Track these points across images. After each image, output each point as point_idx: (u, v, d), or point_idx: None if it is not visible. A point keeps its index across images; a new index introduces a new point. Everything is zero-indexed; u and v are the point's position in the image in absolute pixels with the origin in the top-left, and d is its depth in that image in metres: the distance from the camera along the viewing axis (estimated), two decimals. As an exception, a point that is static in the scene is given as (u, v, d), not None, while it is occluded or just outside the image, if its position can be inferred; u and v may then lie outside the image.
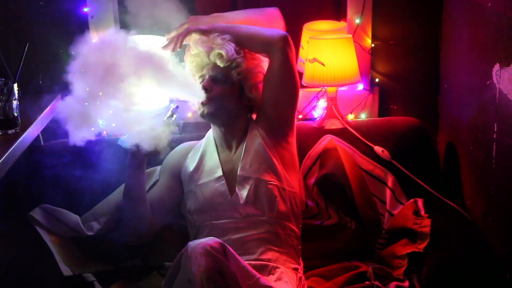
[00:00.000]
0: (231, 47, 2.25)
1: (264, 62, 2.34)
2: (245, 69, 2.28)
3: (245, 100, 2.32)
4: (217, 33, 2.28)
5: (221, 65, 2.27)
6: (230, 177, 2.28)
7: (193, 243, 1.89)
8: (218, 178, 2.28)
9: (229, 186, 2.26)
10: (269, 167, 2.26)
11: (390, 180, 2.49)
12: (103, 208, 2.42)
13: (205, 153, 2.36)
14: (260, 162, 2.26)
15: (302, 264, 2.28)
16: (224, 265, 1.86)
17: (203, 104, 2.28)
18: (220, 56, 2.26)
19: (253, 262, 2.12)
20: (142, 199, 2.30)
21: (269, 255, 2.17)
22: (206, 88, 2.27)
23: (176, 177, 2.39)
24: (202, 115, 2.29)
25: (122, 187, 2.41)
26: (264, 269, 2.13)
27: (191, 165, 2.36)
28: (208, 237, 1.94)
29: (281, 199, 2.23)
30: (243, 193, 2.23)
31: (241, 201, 2.22)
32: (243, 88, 2.30)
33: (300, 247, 2.29)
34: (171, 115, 2.29)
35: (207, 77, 2.29)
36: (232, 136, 2.33)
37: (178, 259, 1.93)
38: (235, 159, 2.31)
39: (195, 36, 2.31)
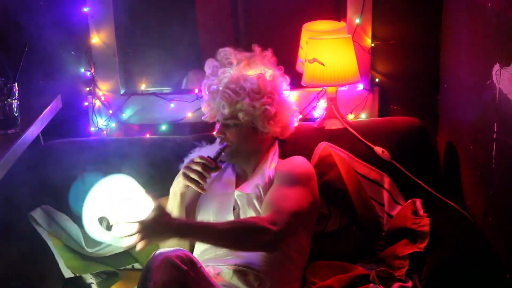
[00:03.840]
0: (230, 92, 2.28)
1: (273, 92, 2.34)
2: (250, 109, 2.29)
3: (261, 134, 2.34)
4: (223, 82, 2.32)
5: (225, 112, 2.30)
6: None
7: (157, 253, 1.86)
8: (229, 193, 2.29)
9: (236, 202, 2.28)
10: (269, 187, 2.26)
11: (386, 182, 2.49)
12: None
13: (224, 170, 2.39)
14: (262, 183, 2.26)
15: None
16: (188, 277, 1.84)
17: (223, 149, 2.30)
18: (223, 106, 2.30)
19: (243, 269, 2.11)
20: None
21: (260, 263, 2.13)
22: (220, 136, 2.32)
23: (197, 194, 2.38)
24: (226, 159, 2.36)
25: None
26: (255, 278, 2.10)
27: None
28: (175, 248, 1.92)
29: None
30: (243, 207, 2.24)
31: (240, 216, 2.23)
32: (256, 125, 2.32)
33: (297, 275, 2.23)
34: (219, 154, 2.26)
35: (220, 124, 2.34)
36: (247, 161, 2.36)
37: (145, 267, 1.89)
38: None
39: (204, 82, 2.40)
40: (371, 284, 2.12)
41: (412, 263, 2.16)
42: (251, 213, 2.22)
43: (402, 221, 2.32)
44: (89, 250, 2.34)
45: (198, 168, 2.17)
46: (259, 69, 2.37)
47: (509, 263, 2.09)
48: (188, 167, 2.19)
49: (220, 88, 2.32)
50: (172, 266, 1.83)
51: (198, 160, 2.19)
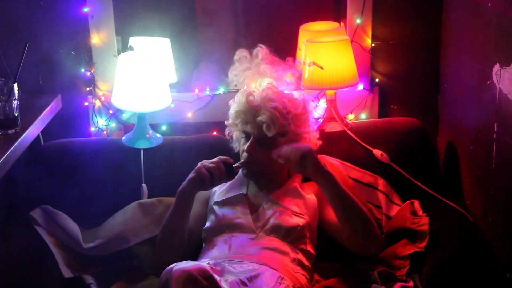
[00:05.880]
0: (279, 116, 2.23)
1: (311, 125, 2.36)
2: (291, 134, 2.29)
3: None
4: (267, 97, 2.26)
5: (269, 135, 2.25)
6: (252, 200, 2.30)
7: (175, 267, 1.82)
8: (240, 195, 2.30)
9: (250, 205, 2.28)
10: (301, 203, 2.26)
11: (380, 184, 2.48)
12: (104, 229, 2.39)
13: (234, 182, 2.38)
14: (293, 196, 2.27)
15: None
16: None
17: (246, 165, 2.28)
18: (268, 127, 2.24)
19: (259, 267, 2.07)
20: (183, 233, 2.25)
21: (276, 264, 2.12)
22: (250, 153, 2.27)
23: (205, 205, 2.38)
24: (246, 176, 2.32)
25: (127, 213, 2.40)
26: (272, 276, 2.07)
27: (217, 190, 2.38)
28: (194, 262, 1.89)
29: (300, 231, 2.22)
30: (268, 212, 2.24)
31: (262, 220, 2.22)
32: None
33: (308, 277, 2.22)
34: (239, 166, 2.27)
35: (251, 138, 2.28)
36: (268, 182, 2.35)
37: (161, 279, 1.85)
38: (261, 194, 2.33)
39: (243, 89, 2.33)
40: (373, 284, 2.12)
41: (412, 263, 2.16)
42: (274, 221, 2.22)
43: (401, 221, 2.32)
44: (86, 246, 2.32)
45: (214, 168, 2.16)
46: (287, 86, 2.40)
47: (509, 263, 2.09)
48: (203, 165, 2.18)
49: (264, 109, 2.24)
50: (193, 281, 1.78)
51: (216, 160, 2.19)
